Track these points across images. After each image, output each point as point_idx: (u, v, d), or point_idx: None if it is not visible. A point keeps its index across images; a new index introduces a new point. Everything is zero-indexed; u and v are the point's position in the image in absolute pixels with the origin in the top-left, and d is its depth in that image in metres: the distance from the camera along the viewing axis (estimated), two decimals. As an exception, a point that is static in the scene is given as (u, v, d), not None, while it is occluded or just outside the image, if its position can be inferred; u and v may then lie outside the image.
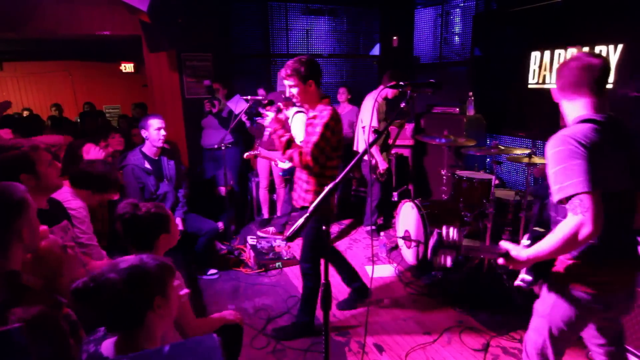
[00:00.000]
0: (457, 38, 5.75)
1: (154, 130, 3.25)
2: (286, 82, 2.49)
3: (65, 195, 2.29)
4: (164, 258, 1.27)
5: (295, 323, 2.83)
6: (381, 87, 4.11)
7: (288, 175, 4.42)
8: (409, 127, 5.05)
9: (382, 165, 4.14)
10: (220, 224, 3.95)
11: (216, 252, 3.99)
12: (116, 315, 1.18)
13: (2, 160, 1.86)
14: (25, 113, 7.67)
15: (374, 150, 4.12)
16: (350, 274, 3.09)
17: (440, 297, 3.25)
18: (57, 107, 7.99)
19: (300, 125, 3.96)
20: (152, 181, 3.31)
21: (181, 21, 4.27)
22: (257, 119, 4.29)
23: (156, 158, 3.37)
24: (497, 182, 3.43)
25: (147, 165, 3.30)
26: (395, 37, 5.95)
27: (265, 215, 4.84)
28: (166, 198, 3.40)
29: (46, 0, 4.35)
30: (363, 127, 4.15)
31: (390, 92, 4.11)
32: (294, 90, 2.46)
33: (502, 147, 3.42)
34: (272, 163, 4.42)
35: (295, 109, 4.08)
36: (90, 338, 1.27)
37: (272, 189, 4.82)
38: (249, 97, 3.94)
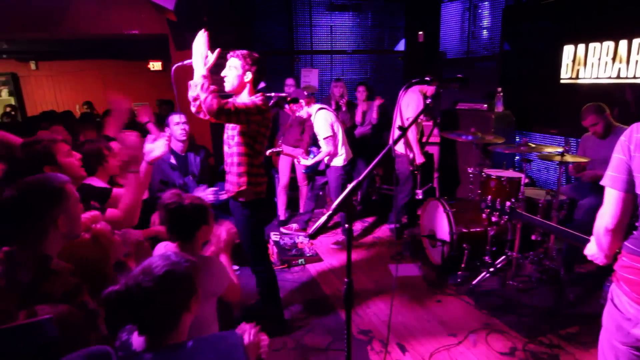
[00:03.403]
0: (485, 32, 5.59)
1: (174, 125, 3.33)
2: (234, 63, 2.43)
3: (96, 183, 2.39)
4: (188, 255, 1.28)
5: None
6: (419, 84, 4.02)
7: (311, 172, 4.42)
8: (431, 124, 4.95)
9: (420, 159, 4.06)
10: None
11: (239, 247, 4.02)
12: (152, 322, 1.16)
13: (26, 155, 1.93)
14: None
15: (414, 143, 4.04)
16: (272, 300, 2.83)
17: (466, 298, 3.18)
18: (88, 104, 8.25)
19: (324, 122, 3.95)
20: (176, 176, 3.38)
21: (206, 19, 4.31)
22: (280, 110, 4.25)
23: (183, 154, 3.44)
24: (526, 180, 3.31)
25: (173, 161, 3.36)
26: (420, 32, 5.83)
27: (282, 217, 4.82)
28: (190, 194, 3.46)
29: (78, 1, 4.48)
30: (407, 119, 4.03)
31: (430, 89, 4.03)
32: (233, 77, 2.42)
33: (533, 145, 3.30)
34: (295, 160, 4.42)
35: (318, 105, 4.06)
36: (125, 327, 1.29)
37: (293, 186, 4.81)
38: (272, 94, 3.95)
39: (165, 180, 3.31)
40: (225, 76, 2.48)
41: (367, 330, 2.83)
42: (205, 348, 0.91)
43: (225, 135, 2.60)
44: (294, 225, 4.59)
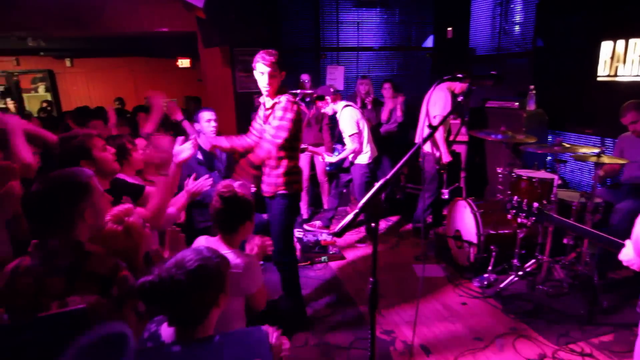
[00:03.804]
0: (517, 28, 5.41)
1: (205, 122, 3.37)
2: (263, 69, 2.45)
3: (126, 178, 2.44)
4: (217, 251, 1.29)
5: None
6: (448, 81, 3.93)
7: (335, 169, 4.40)
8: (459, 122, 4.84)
9: (447, 158, 3.99)
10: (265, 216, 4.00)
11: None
12: (182, 314, 1.20)
13: (64, 150, 2.00)
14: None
15: (441, 142, 3.97)
16: (294, 294, 2.84)
17: (493, 301, 3.10)
18: (119, 100, 8.50)
19: (349, 119, 3.92)
20: (203, 171, 3.43)
21: (234, 17, 4.35)
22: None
23: (209, 150, 3.48)
24: (559, 182, 3.19)
25: (200, 156, 3.42)
26: (449, 28, 5.71)
27: (305, 215, 4.82)
28: (214, 189, 3.51)
29: (111, 1, 4.61)
30: (434, 117, 3.96)
31: (458, 87, 3.94)
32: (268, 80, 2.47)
33: (567, 145, 3.18)
34: (319, 158, 4.42)
35: (343, 102, 4.04)
36: (154, 318, 1.33)
37: (314, 183, 4.81)
38: (298, 91, 3.95)
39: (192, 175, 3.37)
40: (257, 81, 2.53)
41: (389, 330, 2.81)
42: (232, 343, 0.92)
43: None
44: (317, 223, 4.59)
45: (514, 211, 2.35)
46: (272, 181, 2.61)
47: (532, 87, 4.36)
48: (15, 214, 1.85)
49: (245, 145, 2.74)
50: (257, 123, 2.74)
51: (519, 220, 2.34)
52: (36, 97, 9.45)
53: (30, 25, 4.69)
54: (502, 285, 3.18)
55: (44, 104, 9.01)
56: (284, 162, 2.58)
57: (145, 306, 1.19)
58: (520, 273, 3.21)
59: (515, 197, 2.38)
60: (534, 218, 2.24)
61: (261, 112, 2.70)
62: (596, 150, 2.94)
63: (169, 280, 1.15)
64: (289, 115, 2.47)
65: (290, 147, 2.57)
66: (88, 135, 2.05)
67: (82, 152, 1.98)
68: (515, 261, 3.26)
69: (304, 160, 4.66)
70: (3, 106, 9.03)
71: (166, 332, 1.23)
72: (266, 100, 2.61)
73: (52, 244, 1.38)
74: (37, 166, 2.17)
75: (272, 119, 2.52)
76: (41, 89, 9.55)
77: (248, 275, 1.75)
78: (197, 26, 4.76)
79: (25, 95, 9.45)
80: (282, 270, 2.76)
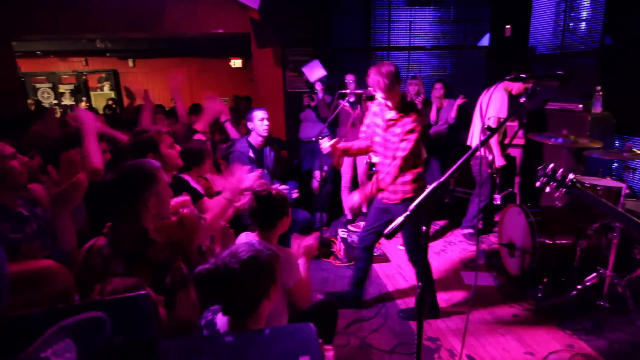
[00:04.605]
0: (583, 25, 5.06)
1: (258, 121, 3.46)
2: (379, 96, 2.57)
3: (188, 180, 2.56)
4: (269, 244, 1.34)
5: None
6: (504, 82, 3.76)
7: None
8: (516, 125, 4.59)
9: (500, 162, 3.82)
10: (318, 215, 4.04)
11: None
12: (235, 302, 1.27)
13: (135, 142, 2.15)
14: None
15: (494, 145, 3.81)
16: (428, 287, 2.95)
17: (547, 315, 2.92)
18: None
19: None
20: (253, 169, 3.52)
21: (287, 17, 4.41)
22: (341, 101, 4.20)
23: (259, 148, 3.58)
24: (627, 191, 2.95)
25: (251, 154, 3.51)
26: (508, 26, 5.45)
27: (349, 216, 4.79)
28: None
29: (171, 3, 4.84)
30: (489, 118, 3.82)
31: (515, 87, 3.75)
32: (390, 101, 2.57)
33: (638, 151, 2.92)
34: (366, 158, 4.37)
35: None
36: (210, 307, 1.40)
37: (355, 184, 4.77)
38: (347, 91, 3.94)
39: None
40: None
41: (435, 337, 2.73)
42: (282, 337, 0.94)
43: (381, 154, 2.76)
44: (362, 224, 4.55)
45: (544, 179, 2.12)
46: (399, 189, 2.70)
47: (598, 88, 4.05)
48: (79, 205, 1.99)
49: (362, 147, 2.88)
50: (371, 128, 2.80)
51: (547, 189, 2.07)
52: (102, 95, 10.16)
53: (100, 28, 5.04)
54: (558, 299, 2.99)
55: (110, 102, 9.66)
56: (412, 170, 2.67)
57: (201, 293, 1.26)
58: (579, 287, 2.99)
59: (551, 165, 2.14)
60: (564, 189, 2.03)
61: (378, 120, 2.73)
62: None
63: (224, 268, 1.22)
64: (415, 129, 2.55)
65: (417, 155, 2.67)
66: (159, 132, 2.19)
67: (151, 146, 2.12)
68: (574, 274, 3.05)
69: (347, 161, 4.64)
70: (73, 103, 9.79)
71: (221, 321, 1.30)
72: (388, 113, 2.65)
73: (120, 229, 1.49)
74: (107, 161, 2.35)
75: (398, 131, 2.59)
76: (106, 87, 10.25)
77: (285, 268, 1.79)
78: (251, 27, 4.88)
79: (92, 94, 10.19)
80: (417, 265, 2.89)
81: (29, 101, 8.41)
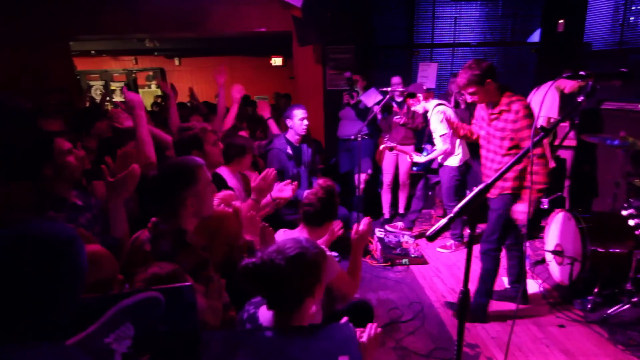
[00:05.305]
0: (645, 18, 4.70)
1: (298, 120, 3.48)
2: (468, 93, 2.57)
3: (225, 174, 2.61)
4: (316, 243, 1.33)
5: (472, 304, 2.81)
6: (559, 80, 3.59)
7: (422, 170, 4.25)
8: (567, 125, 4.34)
9: (549, 164, 3.64)
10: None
11: (343, 237, 4.08)
12: (280, 297, 1.26)
13: (181, 138, 2.22)
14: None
15: (545, 147, 3.64)
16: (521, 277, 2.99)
17: (597, 328, 2.75)
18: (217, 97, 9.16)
19: (439, 117, 3.76)
20: (291, 165, 3.55)
21: (329, 15, 4.41)
22: (386, 114, 4.16)
23: (297, 145, 3.60)
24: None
25: (289, 151, 3.54)
26: (561, 21, 5.16)
27: (387, 215, 4.72)
28: (300, 183, 3.61)
29: (216, 3, 4.97)
30: (546, 117, 3.68)
31: (568, 86, 3.56)
32: (476, 97, 2.59)
33: None
34: (407, 157, 4.30)
35: (435, 101, 3.88)
36: (252, 300, 1.41)
37: (395, 185, 4.69)
38: (388, 89, 3.89)
39: (281, 169, 3.50)
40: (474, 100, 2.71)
41: (474, 344, 2.64)
42: (321, 336, 0.94)
43: (485, 149, 2.80)
44: (400, 224, 4.49)
45: (633, 216, 1.99)
46: (499, 184, 2.68)
47: (662, 86, 3.76)
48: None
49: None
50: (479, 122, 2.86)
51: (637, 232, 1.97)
52: (149, 93, 10.61)
53: (150, 28, 5.26)
54: (610, 311, 2.81)
55: (158, 99, 10.08)
56: (515, 167, 2.63)
57: (245, 287, 1.27)
58: (634, 300, 2.80)
59: (636, 202, 2.02)
60: None
61: (482, 112, 2.79)
62: None
63: (270, 263, 1.22)
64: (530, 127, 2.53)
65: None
66: (204, 129, 2.26)
67: (195, 142, 2.19)
68: (628, 285, 2.85)
69: (389, 160, 4.58)
70: (123, 100, 10.28)
71: (264, 315, 1.30)
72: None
73: (161, 227, 1.52)
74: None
75: (511, 123, 2.57)
76: (154, 85, 10.69)
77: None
78: (293, 25, 4.91)
79: (140, 91, 10.67)
80: (487, 256, 2.82)
81: (86, 97, 8.92)
